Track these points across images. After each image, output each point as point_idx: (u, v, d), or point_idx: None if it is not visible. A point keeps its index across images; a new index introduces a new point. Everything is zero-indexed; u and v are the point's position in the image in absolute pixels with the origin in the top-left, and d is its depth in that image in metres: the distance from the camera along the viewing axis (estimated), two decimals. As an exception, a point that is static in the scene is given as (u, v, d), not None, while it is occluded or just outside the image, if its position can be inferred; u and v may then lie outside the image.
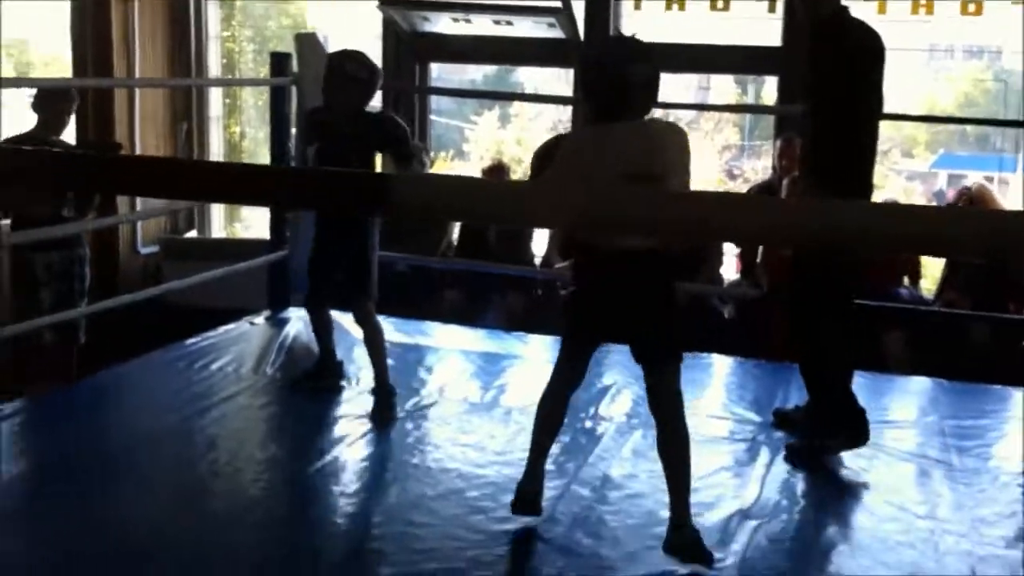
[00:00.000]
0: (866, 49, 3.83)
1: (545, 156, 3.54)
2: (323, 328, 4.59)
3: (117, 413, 4.06)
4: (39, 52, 8.84)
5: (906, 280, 6.33)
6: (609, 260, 3.11)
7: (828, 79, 3.81)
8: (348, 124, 4.28)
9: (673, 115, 8.54)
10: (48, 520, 3.20)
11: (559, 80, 7.23)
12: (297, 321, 5.50)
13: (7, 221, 5.08)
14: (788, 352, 5.52)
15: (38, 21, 8.19)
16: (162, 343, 4.88)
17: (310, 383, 4.56)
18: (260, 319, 5.50)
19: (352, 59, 4.29)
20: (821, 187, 3.77)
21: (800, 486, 3.77)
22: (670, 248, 3.21)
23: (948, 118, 9.29)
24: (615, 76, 3.11)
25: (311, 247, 4.53)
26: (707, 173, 11.93)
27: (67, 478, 3.52)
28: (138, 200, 6.83)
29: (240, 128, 8.93)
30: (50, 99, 5.05)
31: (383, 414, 4.24)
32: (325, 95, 4.32)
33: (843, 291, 4.02)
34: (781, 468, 3.89)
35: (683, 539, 3.10)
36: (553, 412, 3.33)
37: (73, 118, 6.77)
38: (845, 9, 3.89)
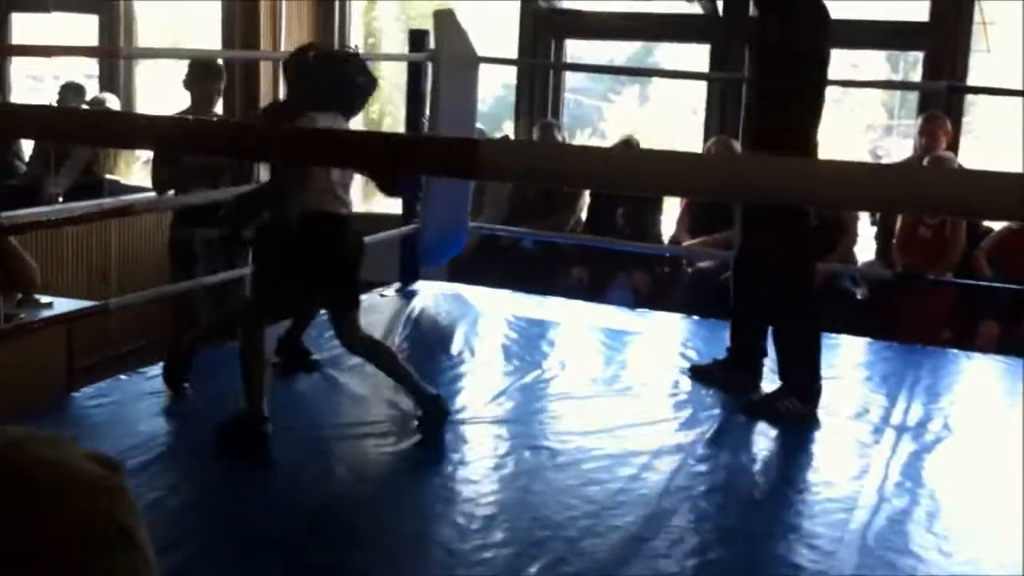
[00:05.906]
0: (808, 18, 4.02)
1: None
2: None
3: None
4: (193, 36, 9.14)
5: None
6: None
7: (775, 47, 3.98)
8: None
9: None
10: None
11: (702, 57, 7.10)
12: (426, 294, 5.60)
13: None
14: (921, 334, 5.40)
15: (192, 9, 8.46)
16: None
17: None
18: (390, 291, 5.61)
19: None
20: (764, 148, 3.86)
21: (926, 469, 3.70)
22: None
23: None
24: None
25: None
26: (850, 154, 11.65)
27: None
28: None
29: (380, 107, 9.06)
30: (199, 76, 5.26)
31: None
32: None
33: (803, 255, 4.14)
34: (907, 448, 3.82)
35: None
36: None
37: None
38: None
